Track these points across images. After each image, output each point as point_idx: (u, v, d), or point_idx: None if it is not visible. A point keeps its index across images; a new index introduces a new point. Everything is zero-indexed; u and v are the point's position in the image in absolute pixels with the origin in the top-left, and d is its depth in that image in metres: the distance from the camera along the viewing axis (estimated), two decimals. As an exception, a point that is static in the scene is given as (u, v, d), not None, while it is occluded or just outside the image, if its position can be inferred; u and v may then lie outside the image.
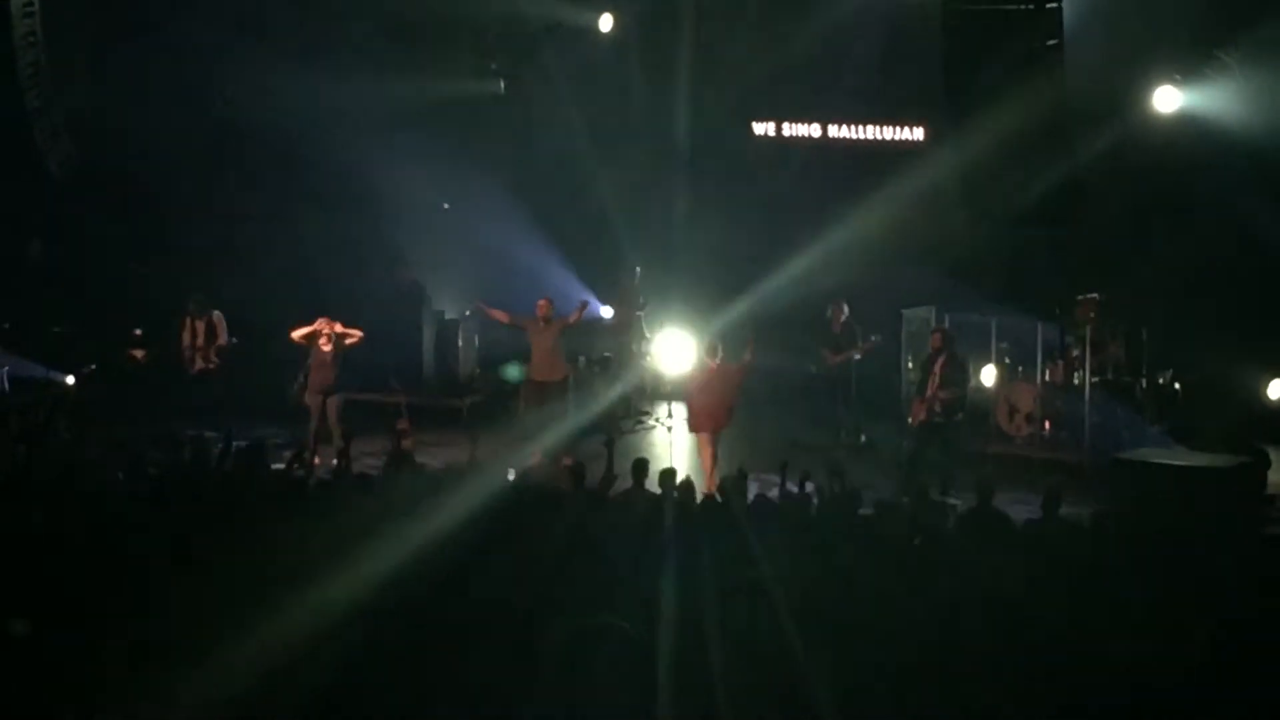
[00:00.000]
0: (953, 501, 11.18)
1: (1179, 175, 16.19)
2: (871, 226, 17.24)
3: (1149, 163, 16.43)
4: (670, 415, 16.48)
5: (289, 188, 18.56)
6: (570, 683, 4.81)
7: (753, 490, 10.41)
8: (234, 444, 11.33)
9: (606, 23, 19.24)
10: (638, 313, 18.08)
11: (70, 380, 16.23)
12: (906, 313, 16.93)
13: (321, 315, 14.84)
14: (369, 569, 7.49)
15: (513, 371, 17.00)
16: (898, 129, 19.14)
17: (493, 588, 7.55)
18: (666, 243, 19.26)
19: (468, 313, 18.53)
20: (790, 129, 19.61)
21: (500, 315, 15.79)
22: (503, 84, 20.10)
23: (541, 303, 15.48)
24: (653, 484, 10.66)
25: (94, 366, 16.51)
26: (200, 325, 15.97)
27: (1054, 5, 16.02)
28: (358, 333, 14.84)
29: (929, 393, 13.72)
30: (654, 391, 17.87)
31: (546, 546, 8.46)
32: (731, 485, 10.23)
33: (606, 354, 18.50)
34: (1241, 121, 15.69)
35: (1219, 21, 15.91)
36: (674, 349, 17.00)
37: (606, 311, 18.79)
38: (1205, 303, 15.94)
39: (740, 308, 16.48)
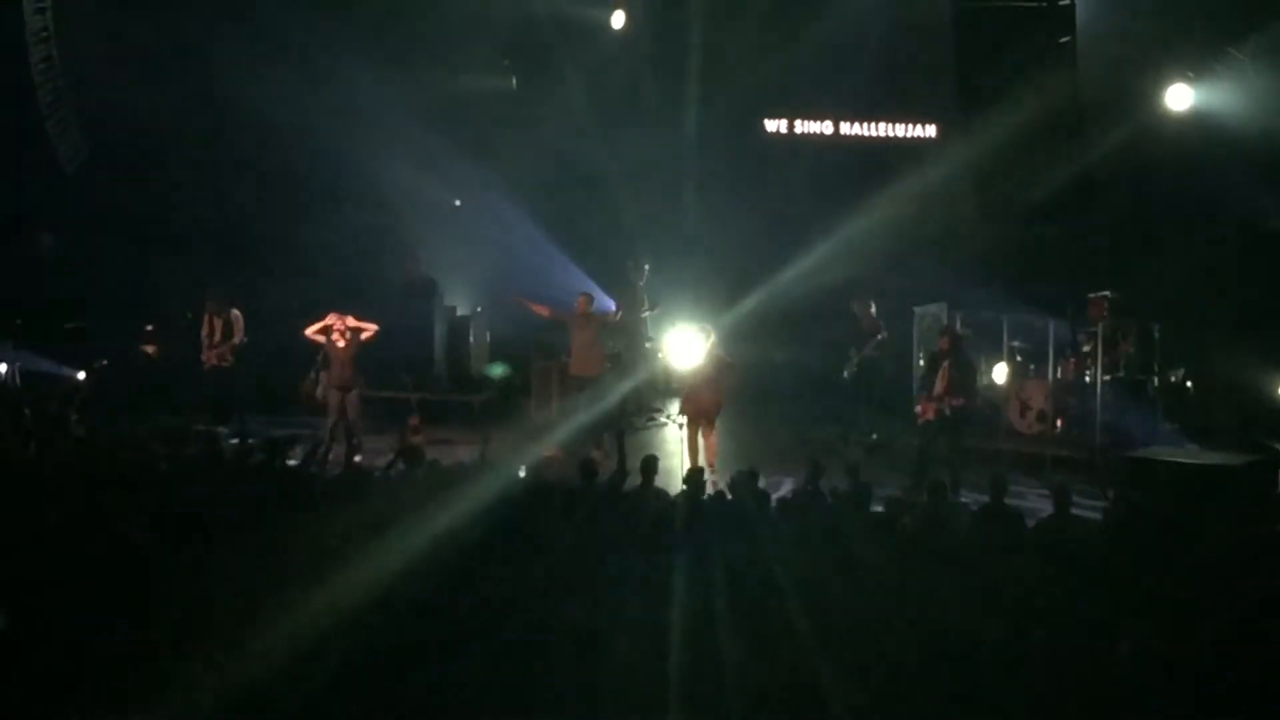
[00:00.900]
0: (961, 500, 11.17)
1: (1191, 173, 16.13)
2: (883, 223, 17.22)
3: (1161, 160, 16.38)
4: (681, 413, 16.43)
5: (302, 183, 18.58)
6: (580, 680, 4.83)
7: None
8: (249, 440, 11.36)
9: (618, 19, 19.23)
10: (644, 314, 18.01)
11: (82, 376, 16.26)
12: (918, 310, 16.89)
13: (331, 311, 14.84)
14: (377, 566, 7.51)
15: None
16: (910, 126, 19.16)
17: (502, 586, 7.56)
18: (677, 239, 19.23)
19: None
20: (802, 125, 19.59)
21: (542, 309, 15.78)
22: (515, 80, 20.12)
23: (581, 298, 15.56)
24: (663, 481, 10.66)
25: (105, 362, 16.54)
26: (219, 323, 15.94)
27: (1066, 2, 16.00)
28: (373, 326, 14.80)
29: (937, 391, 13.71)
30: (665, 388, 17.83)
31: (556, 544, 8.48)
32: (741, 483, 10.20)
33: (616, 351, 18.46)
34: (1254, 119, 15.62)
35: (1231, 19, 15.85)
36: (684, 345, 16.95)
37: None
38: (1217, 300, 15.91)
39: (750, 304, 16.46)
